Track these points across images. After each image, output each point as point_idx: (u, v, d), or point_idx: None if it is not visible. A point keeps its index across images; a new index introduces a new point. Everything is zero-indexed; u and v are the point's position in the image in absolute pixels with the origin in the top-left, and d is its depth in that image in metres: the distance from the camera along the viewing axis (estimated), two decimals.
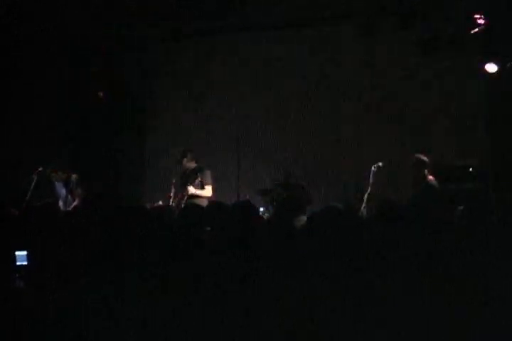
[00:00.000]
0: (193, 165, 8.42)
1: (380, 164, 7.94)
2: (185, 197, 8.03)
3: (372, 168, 7.96)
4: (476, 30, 8.06)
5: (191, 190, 8.04)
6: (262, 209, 8.21)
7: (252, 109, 9.79)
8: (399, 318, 2.79)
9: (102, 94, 9.76)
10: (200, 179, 8.15)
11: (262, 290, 2.91)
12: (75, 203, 8.21)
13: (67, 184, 8.33)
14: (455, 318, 2.79)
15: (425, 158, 7.43)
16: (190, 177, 8.23)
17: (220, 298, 2.94)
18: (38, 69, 9.51)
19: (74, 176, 8.34)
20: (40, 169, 8.12)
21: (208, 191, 8.18)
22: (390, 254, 3.19)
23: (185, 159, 8.37)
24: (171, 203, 8.17)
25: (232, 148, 9.07)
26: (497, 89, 8.38)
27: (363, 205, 7.82)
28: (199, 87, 10.08)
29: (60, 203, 8.19)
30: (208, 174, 8.28)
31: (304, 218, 4.48)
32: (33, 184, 7.92)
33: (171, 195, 8.20)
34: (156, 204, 7.77)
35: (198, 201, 7.67)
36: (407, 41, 8.71)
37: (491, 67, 8.08)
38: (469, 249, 3.27)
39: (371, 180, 7.95)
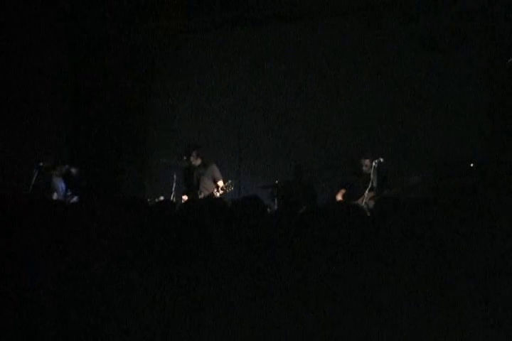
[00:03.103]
0: (199, 162, 8.44)
1: (382, 160, 7.95)
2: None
3: (373, 164, 7.97)
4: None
5: (217, 194, 8.08)
6: None
7: (253, 104, 9.79)
8: (398, 316, 2.81)
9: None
10: (210, 175, 8.28)
11: (269, 286, 2.93)
12: (75, 198, 8.21)
13: (66, 178, 8.34)
14: (455, 317, 2.81)
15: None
16: (204, 175, 8.30)
17: (226, 295, 2.95)
18: (38, 66, 9.51)
19: (74, 170, 8.35)
20: (41, 164, 8.12)
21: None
22: (390, 251, 3.20)
23: (191, 157, 8.37)
24: (171, 198, 8.20)
25: (234, 143, 9.07)
26: (497, 86, 8.39)
27: (364, 201, 7.84)
28: (200, 81, 10.07)
29: (55, 196, 8.19)
30: (216, 169, 8.37)
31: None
32: (34, 179, 7.92)
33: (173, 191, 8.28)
34: (157, 200, 7.80)
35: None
36: (409, 37, 8.71)
37: None
38: (469, 247, 3.27)
39: (372, 176, 7.97)
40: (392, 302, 2.84)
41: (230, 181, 8.15)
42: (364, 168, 8.09)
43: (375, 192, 7.91)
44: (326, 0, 8.93)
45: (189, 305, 2.96)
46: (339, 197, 8.11)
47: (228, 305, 2.92)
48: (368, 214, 3.82)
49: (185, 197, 8.33)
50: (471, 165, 7.94)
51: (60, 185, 8.34)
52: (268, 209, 7.95)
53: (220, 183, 8.30)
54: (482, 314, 2.81)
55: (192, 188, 8.43)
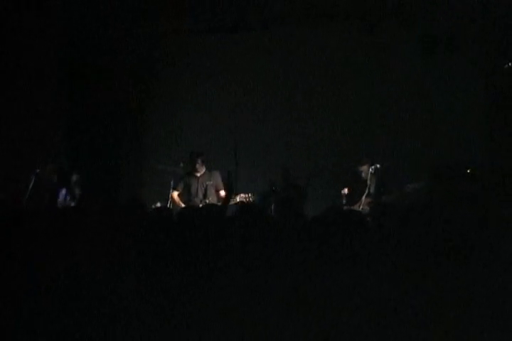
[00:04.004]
0: (203, 169, 8.39)
1: (378, 166, 7.95)
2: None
3: (370, 170, 7.97)
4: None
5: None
6: None
7: (252, 108, 9.78)
8: (393, 317, 2.82)
9: None
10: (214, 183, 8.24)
11: (269, 289, 2.93)
12: (73, 204, 8.18)
13: (66, 183, 8.30)
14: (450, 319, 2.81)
15: None
16: (210, 183, 8.26)
17: (225, 298, 2.95)
18: (36, 67, 9.48)
19: (75, 176, 8.31)
20: (38, 170, 8.08)
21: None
22: (386, 255, 3.20)
23: (197, 164, 8.30)
24: (168, 205, 8.17)
25: (231, 149, 9.05)
26: (496, 89, 8.40)
27: (361, 207, 7.83)
28: (198, 87, 10.06)
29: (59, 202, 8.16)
30: (220, 177, 8.32)
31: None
32: (31, 185, 7.88)
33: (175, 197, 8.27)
34: (154, 206, 7.77)
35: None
36: (407, 40, 8.73)
37: None
38: (466, 250, 3.27)
39: (369, 182, 7.96)
40: (387, 305, 2.85)
41: (250, 194, 8.11)
42: (362, 175, 8.09)
43: (372, 198, 7.91)
44: (325, 4, 8.95)
45: (187, 309, 2.96)
46: (346, 191, 8.13)
47: (227, 308, 2.91)
48: (367, 220, 3.83)
49: (175, 194, 8.31)
50: (468, 171, 7.93)
51: (61, 190, 8.30)
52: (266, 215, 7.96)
53: (222, 192, 8.27)
54: (478, 316, 2.82)
55: (194, 195, 8.36)
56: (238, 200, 8.01)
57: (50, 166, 8.32)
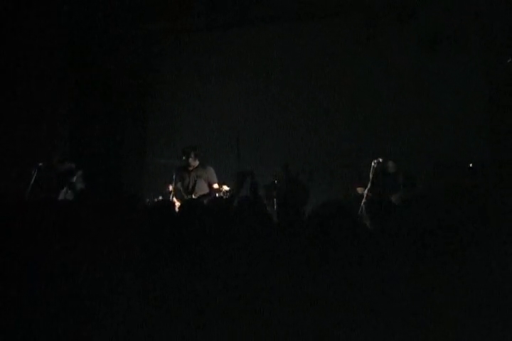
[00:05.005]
0: (196, 163, 8.43)
1: (381, 160, 7.95)
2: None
3: (373, 164, 7.97)
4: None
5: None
6: None
7: (253, 104, 9.80)
8: (387, 316, 2.83)
9: None
10: (207, 177, 8.23)
11: (269, 286, 2.94)
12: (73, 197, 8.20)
13: (67, 177, 8.34)
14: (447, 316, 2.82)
15: None
16: (201, 177, 8.27)
17: (226, 295, 2.95)
18: (38, 66, 9.50)
19: (78, 171, 8.35)
20: (40, 164, 8.10)
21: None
22: (382, 251, 3.20)
23: (190, 158, 8.35)
24: (171, 198, 8.20)
25: (233, 143, 9.08)
26: (497, 85, 8.40)
27: (363, 201, 7.83)
28: (199, 82, 10.09)
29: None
30: (213, 172, 8.34)
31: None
32: (33, 179, 7.89)
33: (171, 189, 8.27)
34: (156, 200, 7.81)
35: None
36: (407, 38, 8.73)
37: None
38: (463, 245, 3.27)
39: (371, 176, 7.96)
40: (389, 301, 2.85)
41: (229, 188, 8.12)
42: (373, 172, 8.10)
43: (375, 193, 7.91)
44: (324, 0, 8.96)
45: (188, 306, 2.96)
46: (359, 191, 8.16)
47: (228, 306, 2.92)
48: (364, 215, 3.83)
49: (172, 188, 8.34)
50: (470, 165, 7.94)
51: (63, 184, 8.32)
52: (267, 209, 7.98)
53: (216, 186, 8.29)
54: (478, 316, 2.82)
55: (185, 188, 8.41)
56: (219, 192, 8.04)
57: (56, 159, 8.36)
